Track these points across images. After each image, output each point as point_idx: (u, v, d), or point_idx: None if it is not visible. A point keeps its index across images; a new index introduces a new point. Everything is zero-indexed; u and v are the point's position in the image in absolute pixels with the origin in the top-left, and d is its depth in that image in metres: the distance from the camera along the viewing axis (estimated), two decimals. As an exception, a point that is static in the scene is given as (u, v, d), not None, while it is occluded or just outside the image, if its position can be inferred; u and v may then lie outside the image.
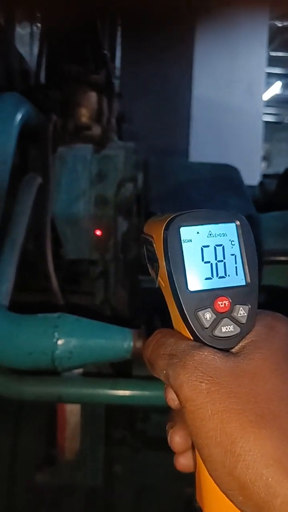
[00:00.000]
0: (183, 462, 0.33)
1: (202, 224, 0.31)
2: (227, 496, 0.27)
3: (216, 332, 0.30)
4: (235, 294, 0.31)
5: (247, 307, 0.31)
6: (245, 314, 0.31)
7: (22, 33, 3.43)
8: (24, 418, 1.10)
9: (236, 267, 0.31)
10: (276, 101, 5.82)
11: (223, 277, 0.31)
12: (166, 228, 0.31)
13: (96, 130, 1.15)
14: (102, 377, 0.92)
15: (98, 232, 1.15)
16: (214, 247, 0.31)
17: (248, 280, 0.32)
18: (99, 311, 1.12)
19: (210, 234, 0.31)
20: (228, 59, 2.80)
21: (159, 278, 0.33)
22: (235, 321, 0.30)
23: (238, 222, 0.32)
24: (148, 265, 0.35)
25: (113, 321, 1.11)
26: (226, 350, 0.30)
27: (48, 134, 1.08)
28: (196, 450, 0.30)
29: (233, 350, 0.30)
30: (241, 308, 0.31)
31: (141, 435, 1.12)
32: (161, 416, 1.11)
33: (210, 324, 0.30)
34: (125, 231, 1.19)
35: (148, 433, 1.12)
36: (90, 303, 1.24)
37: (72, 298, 1.25)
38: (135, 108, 2.35)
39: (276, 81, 5.90)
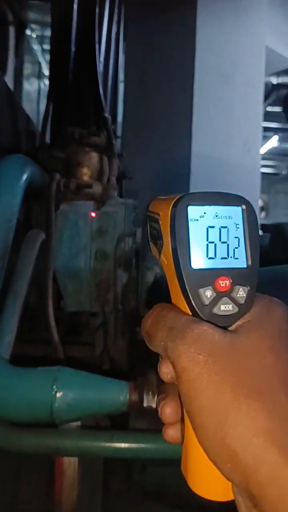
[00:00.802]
0: (172, 433, 0.34)
1: (209, 205, 0.32)
2: (215, 464, 0.28)
3: (215, 310, 0.31)
4: (236, 275, 0.32)
5: (246, 288, 0.32)
6: (244, 295, 0.32)
7: (30, 89, 3.62)
8: (22, 470, 1.10)
9: (238, 249, 0.32)
10: (273, 154, 6.02)
11: (225, 258, 0.32)
12: (175, 206, 0.32)
13: (97, 188, 1.21)
14: (99, 430, 0.92)
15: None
16: (219, 228, 0.32)
17: (249, 263, 0.33)
18: (98, 362, 1.13)
19: (217, 216, 0.32)
20: (225, 116, 2.93)
21: (162, 256, 0.33)
22: (234, 301, 0.31)
23: (244, 206, 0.33)
24: (150, 243, 0.36)
25: (112, 373, 1.13)
26: (223, 328, 0.31)
27: (52, 193, 1.14)
28: (187, 421, 0.31)
29: (230, 328, 0.31)
30: (240, 289, 0.32)
31: (139, 486, 1.11)
32: (158, 468, 1.10)
33: (210, 302, 0.31)
34: (124, 284, 1.23)
35: (146, 485, 1.11)
36: (90, 354, 1.26)
37: (72, 349, 1.27)
38: (136, 162, 2.44)
39: (273, 135, 6.13)
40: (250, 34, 2.92)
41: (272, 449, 0.25)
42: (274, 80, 3.78)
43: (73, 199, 1.22)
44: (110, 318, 1.21)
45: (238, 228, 0.33)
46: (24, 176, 1.01)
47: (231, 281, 0.31)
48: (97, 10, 1.30)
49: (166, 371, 0.32)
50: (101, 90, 1.25)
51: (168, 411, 0.34)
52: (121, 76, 2.22)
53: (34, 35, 3.19)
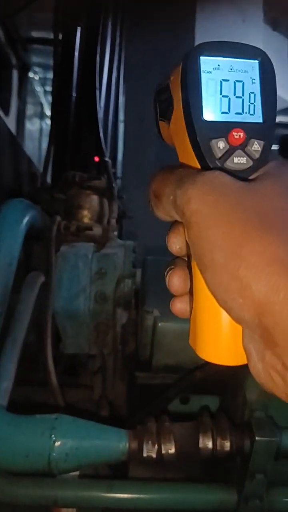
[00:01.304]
0: (180, 306, 0.33)
1: (224, 57, 0.30)
2: (226, 304, 0.26)
3: (228, 163, 0.29)
4: (251, 128, 0.30)
5: (262, 142, 0.30)
6: (259, 148, 0.30)
7: (32, 129, 3.70)
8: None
9: (254, 105, 0.30)
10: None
11: (239, 113, 0.30)
12: (186, 57, 0.30)
13: (97, 230, 1.23)
14: (98, 479, 0.90)
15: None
16: (234, 82, 0.30)
17: (265, 117, 0.30)
18: (97, 407, 1.12)
19: (231, 69, 0.30)
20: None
21: (171, 124, 0.31)
22: (248, 154, 0.29)
23: (261, 59, 0.31)
24: (160, 121, 0.34)
25: (111, 418, 1.12)
26: None
27: (52, 235, 1.16)
28: (195, 289, 0.30)
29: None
30: (256, 142, 0.30)
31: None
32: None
33: (223, 155, 0.29)
34: (123, 325, 1.23)
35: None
36: (89, 397, 1.25)
37: (70, 392, 1.26)
38: (135, 200, 2.47)
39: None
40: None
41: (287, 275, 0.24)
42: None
43: (73, 240, 1.24)
44: (109, 361, 1.21)
45: (254, 83, 0.30)
46: (25, 221, 1.03)
47: (245, 134, 0.29)
48: (97, 58, 1.35)
49: (174, 240, 0.31)
50: (101, 135, 1.29)
51: (176, 280, 0.32)
52: (121, 116, 2.28)
53: (36, 77, 3.30)
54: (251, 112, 0.30)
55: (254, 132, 0.30)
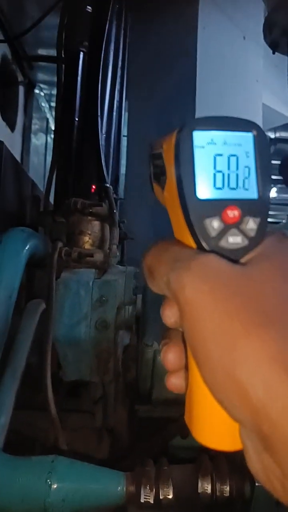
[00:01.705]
0: (175, 381, 0.32)
1: (217, 130, 0.29)
2: (222, 403, 0.25)
3: (222, 243, 0.29)
4: (246, 205, 0.29)
5: (257, 220, 0.29)
6: (255, 227, 0.29)
7: (38, 143, 3.72)
8: None
9: (248, 179, 0.30)
10: (272, 204, 6.10)
11: (234, 188, 0.29)
12: (179, 131, 0.29)
13: (99, 257, 1.23)
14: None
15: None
16: (228, 156, 0.29)
17: (260, 193, 0.30)
18: (98, 439, 1.11)
19: (225, 143, 0.29)
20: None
21: (165, 192, 0.31)
22: (244, 233, 0.29)
23: (255, 132, 0.30)
24: (154, 184, 0.33)
25: (111, 448, 1.11)
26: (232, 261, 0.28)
27: (53, 263, 1.16)
28: (190, 365, 0.28)
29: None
30: (251, 220, 0.29)
31: None
32: None
33: (217, 234, 0.28)
34: (124, 351, 1.22)
35: None
36: (90, 423, 1.24)
37: (71, 417, 1.25)
38: (137, 216, 2.48)
39: (272, 186, 6.21)
40: (247, 93, 3.02)
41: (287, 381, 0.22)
42: (272, 135, 3.89)
43: (75, 267, 1.23)
44: (110, 388, 1.20)
45: (248, 156, 0.30)
46: (26, 251, 1.03)
47: (240, 211, 0.29)
48: (99, 85, 1.36)
49: (168, 313, 0.30)
50: (103, 162, 1.29)
51: (171, 356, 0.31)
52: (124, 131, 2.29)
53: (42, 94, 3.32)
54: (246, 187, 0.30)
55: (249, 209, 0.29)
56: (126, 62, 1.66)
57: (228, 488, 0.70)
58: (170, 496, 0.69)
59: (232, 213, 0.29)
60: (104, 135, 1.36)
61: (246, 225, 0.29)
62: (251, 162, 0.30)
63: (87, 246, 1.27)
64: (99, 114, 1.30)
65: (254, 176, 0.30)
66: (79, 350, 1.17)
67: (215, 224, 0.28)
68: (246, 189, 0.29)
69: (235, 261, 0.28)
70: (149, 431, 0.97)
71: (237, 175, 0.29)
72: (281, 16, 1.91)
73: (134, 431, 1.14)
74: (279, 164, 2.88)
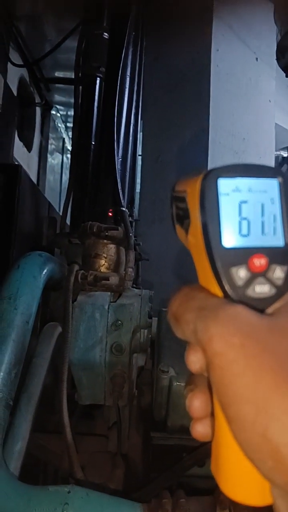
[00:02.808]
0: (201, 429, 0.30)
1: (242, 177, 0.29)
2: (253, 462, 0.24)
3: (249, 292, 0.28)
4: (272, 253, 0.29)
5: (285, 268, 0.29)
6: (282, 275, 0.28)
7: (54, 163, 3.77)
8: None
9: (275, 226, 0.29)
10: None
11: (260, 235, 0.29)
12: (204, 179, 0.29)
13: (114, 280, 1.23)
14: None
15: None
16: (253, 203, 0.29)
17: (287, 240, 0.29)
18: (112, 465, 1.10)
19: (250, 190, 0.29)
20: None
21: (189, 236, 0.31)
22: (271, 282, 0.28)
23: (280, 179, 0.30)
24: (176, 225, 0.33)
25: (125, 475, 1.09)
26: (259, 311, 0.28)
27: (70, 286, 1.16)
28: (218, 414, 0.27)
29: (267, 311, 0.28)
30: (278, 268, 0.28)
31: None
32: None
33: (244, 283, 0.28)
34: (139, 376, 1.22)
35: None
36: (104, 447, 1.23)
37: (85, 441, 1.24)
38: (151, 232, 2.49)
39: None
40: (260, 113, 3.04)
41: None
42: (285, 154, 3.91)
43: (90, 290, 1.24)
44: (125, 412, 1.19)
45: (273, 203, 0.29)
46: (44, 275, 1.04)
47: (267, 259, 0.28)
48: (116, 109, 1.38)
49: (194, 359, 0.29)
50: (119, 186, 1.30)
51: (197, 404, 0.30)
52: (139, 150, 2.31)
53: (58, 114, 3.38)
54: (272, 234, 0.29)
55: (276, 257, 0.29)
56: (142, 85, 1.69)
57: (246, 523, 0.68)
58: (187, 531, 0.68)
59: (259, 262, 0.28)
60: (120, 159, 1.37)
61: (273, 274, 0.28)
62: (276, 208, 0.29)
63: (102, 269, 1.28)
64: (115, 139, 1.31)
65: (280, 223, 0.29)
66: (94, 374, 1.17)
67: (241, 273, 0.28)
68: (272, 237, 0.29)
69: (262, 310, 0.28)
70: (165, 460, 0.96)
71: (262, 222, 0.29)
72: (293, 40, 1.92)
73: (149, 458, 1.13)
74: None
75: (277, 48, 1.93)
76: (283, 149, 3.88)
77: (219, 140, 2.83)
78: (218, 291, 0.29)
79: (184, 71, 2.70)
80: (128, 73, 1.54)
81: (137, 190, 2.55)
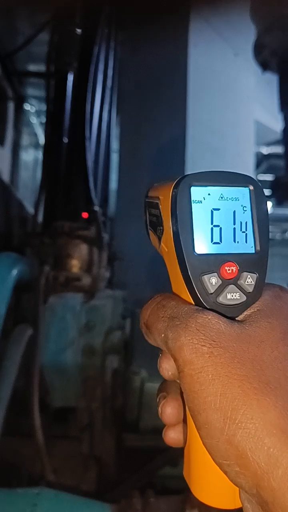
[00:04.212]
0: (173, 435, 0.31)
1: (214, 185, 0.29)
2: (221, 467, 0.25)
3: (221, 299, 0.28)
4: (243, 261, 0.29)
5: (255, 276, 0.29)
6: (253, 282, 0.29)
7: (27, 159, 3.71)
8: None
9: (246, 234, 0.30)
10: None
11: (231, 243, 0.29)
12: (176, 187, 0.29)
13: (86, 281, 1.22)
14: None
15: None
16: (225, 211, 0.29)
17: (258, 248, 0.30)
18: (84, 467, 1.09)
19: (222, 197, 0.29)
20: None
21: (162, 243, 0.31)
22: (242, 289, 0.29)
23: (251, 187, 0.30)
24: (150, 231, 0.33)
25: (98, 478, 1.09)
26: (230, 318, 0.28)
27: (40, 287, 1.14)
28: (189, 421, 0.28)
29: (237, 319, 0.29)
30: (249, 276, 0.29)
31: None
32: None
33: (215, 290, 0.28)
34: (112, 377, 1.21)
35: None
36: (76, 450, 1.22)
37: (58, 444, 1.23)
38: (128, 230, 2.47)
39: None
40: (240, 110, 3.05)
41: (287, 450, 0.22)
42: (265, 151, 3.94)
43: (62, 291, 1.22)
44: (98, 415, 1.18)
45: (245, 211, 0.30)
46: (13, 277, 1.02)
47: (238, 267, 0.29)
48: (87, 107, 1.36)
49: (166, 366, 0.29)
50: (91, 186, 1.28)
51: (169, 411, 0.30)
52: (114, 145, 2.29)
53: (32, 110, 3.32)
54: (243, 241, 0.30)
55: (246, 265, 0.29)
56: (116, 82, 1.67)
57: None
58: (156, 533, 0.68)
59: (230, 269, 0.29)
60: (93, 158, 1.35)
61: (244, 281, 0.29)
62: (248, 216, 0.30)
63: (74, 269, 1.26)
64: (87, 137, 1.30)
65: (251, 230, 0.30)
66: (66, 376, 1.16)
67: (213, 280, 0.28)
68: (244, 244, 0.30)
69: (233, 318, 0.28)
70: (137, 461, 0.95)
71: (234, 229, 0.29)
72: (270, 37, 1.94)
73: (122, 460, 1.12)
74: (271, 181, 2.91)
75: (254, 46, 1.94)
76: (263, 145, 3.90)
77: (198, 136, 2.83)
78: (189, 298, 0.29)
79: (162, 66, 2.69)
80: (101, 69, 1.52)
81: (113, 187, 2.53)
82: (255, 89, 3.15)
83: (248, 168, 3.27)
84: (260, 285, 0.29)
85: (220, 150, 2.97)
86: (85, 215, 1.25)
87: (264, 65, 1.95)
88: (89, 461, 1.09)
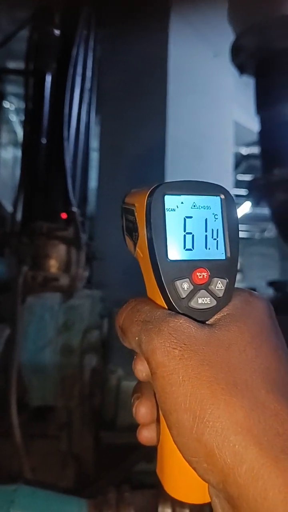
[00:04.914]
0: (147, 434, 0.32)
1: (187, 194, 0.31)
2: (191, 464, 0.26)
3: (192, 303, 0.30)
4: (214, 267, 0.30)
5: (225, 281, 0.30)
6: (223, 287, 0.30)
7: (6, 157, 3.68)
8: None
9: (217, 241, 0.31)
10: (246, 219, 6.19)
11: (203, 249, 0.31)
12: (150, 195, 0.30)
13: (64, 281, 1.23)
14: None
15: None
16: (197, 219, 0.31)
17: (228, 254, 0.31)
18: (62, 465, 1.11)
19: (194, 206, 0.31)
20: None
21: (137, 248, 0.32)
22: (212, 293, 0.30)
23: (223, 196, 0.32)
24: (126, 236, 0.34)
25: (76, 475, 1.10)
26: (201, 322, 0.29)
27: (18, 287, 1.15)
28: (161, 420, 0.29)
29: (208, 322, 0.30)
30: (219, 281, 0.30)
31: None
32: None
33: (187, 295, 0.29)
34: (90, 376, 1.22)
35: None
36: (55, 448, 1.23)
37: (37, 443, 1.24)
38: (108, 229, 2.48)
39: (244, 201, 6.28)
40: (219, 111, 3.07)
41: (252, 447, 0.24)
42: (244, 151, 3.98)
43: (40, 291, 1.23)
44: (76, 413, 1.20)
45: (216, 218, 0.31)
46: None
47: (209, 273, 0.30)
48: (66, 108, 1.37)
49: (140, 368, 0.31)
50: (69, 186, 1.30)
51: (143, 410, 0.32)
52: (94, 143, 2.29)
53: (11, 107, 3.30)
54: (214, 247, 0.31)
55: (217, 271, 0.30)
56: (96, 83, 1.68)
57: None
58: (131, 526, 0.70)
59: (201, 275, 0.30)
60: (72, 158, 1.36)
61: (215, 286, 0.30)
62: (219, 224, 0.31)
63: (53, 269, 1.27)
64: (65, 136, 1.31)
65: (222, 237, 0.31)
66: (44, 376, 1.17)
67: (185, 285, 0.29)
68: (215, 250, 0.31)
69: (204, 322, 0.30)
70: (115, 458, 0.97)
71: (206, 236, 0.31)
72: (247, 40, 1.96)
73: (99, 457, 1.14)
74: (248, 181, 2.95)
75: (231, 48, 1.97)
76: (242, 146, 3.94)
77: (178, 136, 2.84)
78: (163, 303, 0.30)
79: (141, 66, 2.69)
80: (80, 70, 1.53)
81: (93, 186, 2.54)
82: (234, 90, 3.19)
83: (227, 168, 3.31)
84: (230, 290, 0.31)
85: (200, 150, 3.00)
86: (63, 215, 1.26)
87: (241, 68, 1.98)
88: (67, 459, 1.10)
